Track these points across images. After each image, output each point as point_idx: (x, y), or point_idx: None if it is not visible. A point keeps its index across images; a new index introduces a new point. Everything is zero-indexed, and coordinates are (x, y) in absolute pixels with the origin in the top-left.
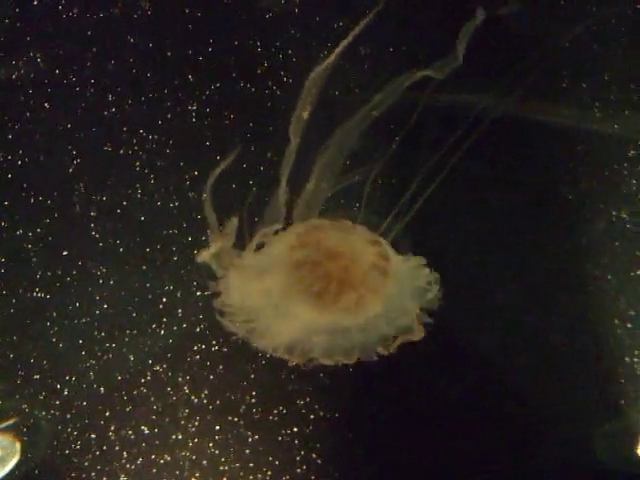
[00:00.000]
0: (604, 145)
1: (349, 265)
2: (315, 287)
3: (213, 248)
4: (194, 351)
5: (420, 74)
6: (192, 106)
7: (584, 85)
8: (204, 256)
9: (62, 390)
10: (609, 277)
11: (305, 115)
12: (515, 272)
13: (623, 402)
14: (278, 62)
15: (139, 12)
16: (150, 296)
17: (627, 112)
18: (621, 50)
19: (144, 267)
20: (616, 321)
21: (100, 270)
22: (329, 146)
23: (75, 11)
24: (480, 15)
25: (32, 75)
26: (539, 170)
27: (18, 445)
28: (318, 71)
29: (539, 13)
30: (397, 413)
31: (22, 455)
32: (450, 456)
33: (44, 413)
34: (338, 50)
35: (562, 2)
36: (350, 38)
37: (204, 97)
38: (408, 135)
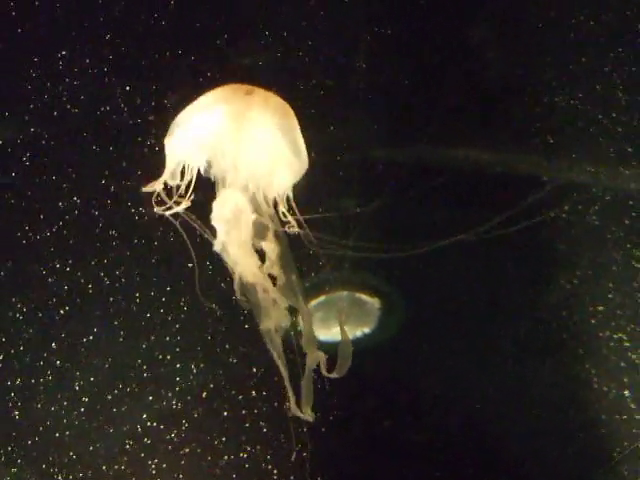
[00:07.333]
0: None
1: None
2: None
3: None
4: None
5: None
6: None
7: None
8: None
9: (58, 458)
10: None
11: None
12: (503, 323)
13: (618, 454)
14: None
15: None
16: (148, 361)
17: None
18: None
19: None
20: (610, 370)
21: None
22: None
23: None
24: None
25: None
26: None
27: None
28: None
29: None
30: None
31: None
32: None
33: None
34: None
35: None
36: None
37: None
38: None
